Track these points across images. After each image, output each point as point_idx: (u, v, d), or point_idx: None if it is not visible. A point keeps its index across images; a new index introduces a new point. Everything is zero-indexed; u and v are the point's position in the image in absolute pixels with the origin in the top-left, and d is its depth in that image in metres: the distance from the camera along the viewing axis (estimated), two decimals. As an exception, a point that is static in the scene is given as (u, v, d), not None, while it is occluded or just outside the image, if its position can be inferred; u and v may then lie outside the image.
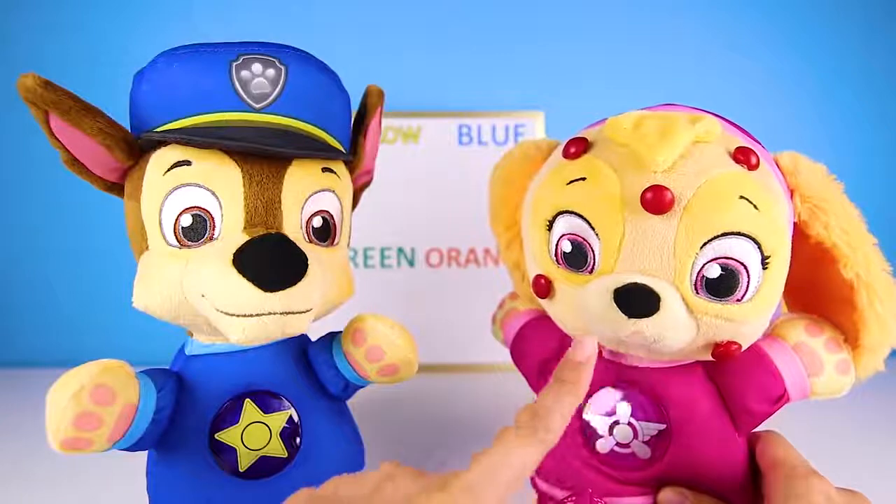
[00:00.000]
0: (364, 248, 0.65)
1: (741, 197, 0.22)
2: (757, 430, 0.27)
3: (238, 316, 0.24)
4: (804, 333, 0.26)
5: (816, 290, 0.27)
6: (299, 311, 0.25)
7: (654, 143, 0.22)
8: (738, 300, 0.23)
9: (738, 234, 0.22)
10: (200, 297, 0.25)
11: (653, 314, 0.22)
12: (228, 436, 0.27)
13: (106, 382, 0.23)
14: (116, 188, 0.28)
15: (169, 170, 0.25)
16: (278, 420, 0.28)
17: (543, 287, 0.27)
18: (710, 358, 0.25)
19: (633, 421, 0.27)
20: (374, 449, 0.33)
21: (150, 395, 0.25)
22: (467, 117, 0.64)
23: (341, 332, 0.31)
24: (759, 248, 0.22)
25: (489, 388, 0.59)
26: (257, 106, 0.26)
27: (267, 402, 0.28)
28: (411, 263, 0.65)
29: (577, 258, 0.25)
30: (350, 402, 0.33)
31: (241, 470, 0.27)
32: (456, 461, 0.18)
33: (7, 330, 0.69)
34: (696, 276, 0.23)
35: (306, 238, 0.28)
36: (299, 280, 0.25)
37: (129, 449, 0.25)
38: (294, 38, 0.28)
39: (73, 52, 0.64)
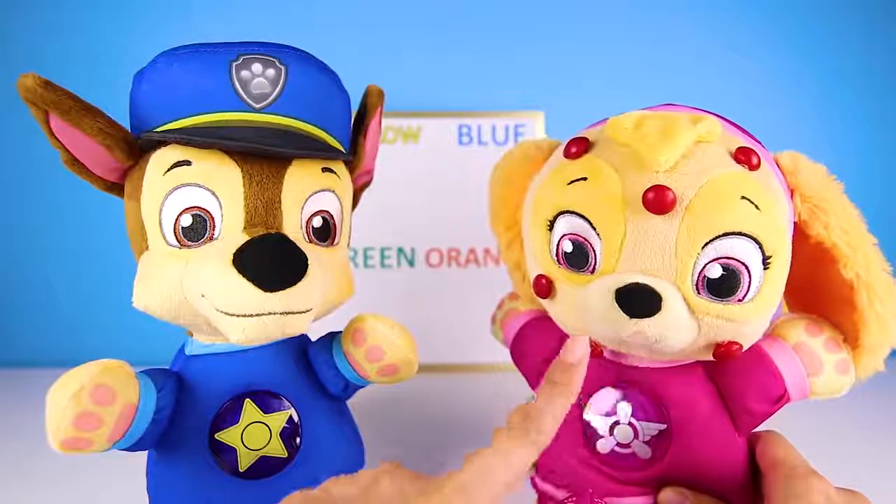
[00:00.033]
0: (364, 248, 0.65)
1: (743, 197, 0.22)
2: (757, 430, 0.27)
3: (238, 316, 0.24)
4: (804, 333, 0.26)
5: (816, 290, 0.27)
6: (299, 311, 0.25)
7: (655, 142, 0.22)
8: (739, 300, 0.23)
9: (740, 234, 0.22)
10: (200, 297, 0.25)
11: (654, 314, 0.22)
12: (228, 436, 0.27)
13: (106, 382, 0.23)
14: (116, 188, 0.28)
15: (169, 170, 0.25)
16: (278, 420, 0.28)
17: (544, 287, 0.27)
18: (711, 358, 0.25)
19: (633, 421, 0.27)
20: (374, 449, 0.33)
21: (150, 395, 0.25)
22: (467, 117, 0.64)
23: (341, 332, 0.31)
24: (761, 248, 0.22)
25: (489, 388, 0.59)
26: (257, 106, 0.26)
27: (267, 402, 0.28)
28: (411, 263, 0.65)
29: (579, 258, 0.25)
30: (350, 402, 0.33)
31: (241, 470, 0.27)
32: (456, 461, 0.18)
33: (7, 330, 0.69)
34: (698, 277, 0.23)
35: (306, 238, 0.28)
36: (299, 280, 0.25)
37: (129, 449, 0.25)
38: (294, 38, 0.28)
39: (73, 52, 0.64)
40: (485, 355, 0.62)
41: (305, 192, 0.27)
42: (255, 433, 0.27)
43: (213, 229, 0.26)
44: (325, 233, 0.29)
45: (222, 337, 0.27)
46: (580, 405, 0.28)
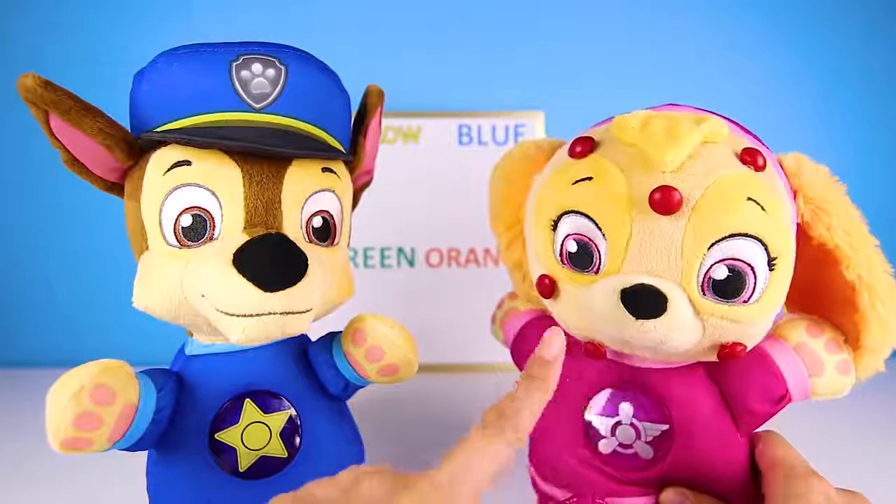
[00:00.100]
0: (364, 248, 0.65)
1: (749, 198, 0.22)
2: (756, 430, 0.27)
3: (238, 316, 0.24)
4: (805, 334, 0.26)
5: (818, 291, 0.27)
6: (299, 311, 0.25)
7: (662, 143, 0.22)
8: (744, 301, 0.23)
9: (746, 235, 0.22)
10: (200, 297, 0.25)
11: (660, 315, 0.22)
12: (228, 436, 0.27)
13: (106, 382, 0.23)
14: (116, 188, 0.28)
15: (169, 170, 0.25)
16: (278, 420, 0.28)
17: (548, 287, 0.26)
18: (715, 359, 0.25)
19: (635, 421, 0.27)
20: (374, 449, 0.33)
21: (150, 395, 0.25)
22: (467, 117, 0.64)
23: (341, 332, 0.31)
24: (766, 249, 0.22)
25: (489, 388, 0.58)
26: (257, 106, 0.26)
27: (267, 402, 0.28)
28: (411, 263, 0.65)
29: (583, 258, 0.25)
30: (350, 402, 0.33)
31: (241, 470, 0.27)
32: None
33: (7, 330, 0.69)
34: (703, 278, 0.23)
35: (306, 238, 0.28)
36: (299, 280, 0.25)
37: (129, 449, 0.25)
38: (294, 38, 0.28)
39: (73, 52, 0.64)
40: (485, 355, 0.62)
41: (305, 192, 0.27)
42: (255, 433, 0.27)
43: (213, 229, 0.26)
44: (325, 233, 0.29)
45: (222, 337, 0.27)
46: (581, 406, 0.28)
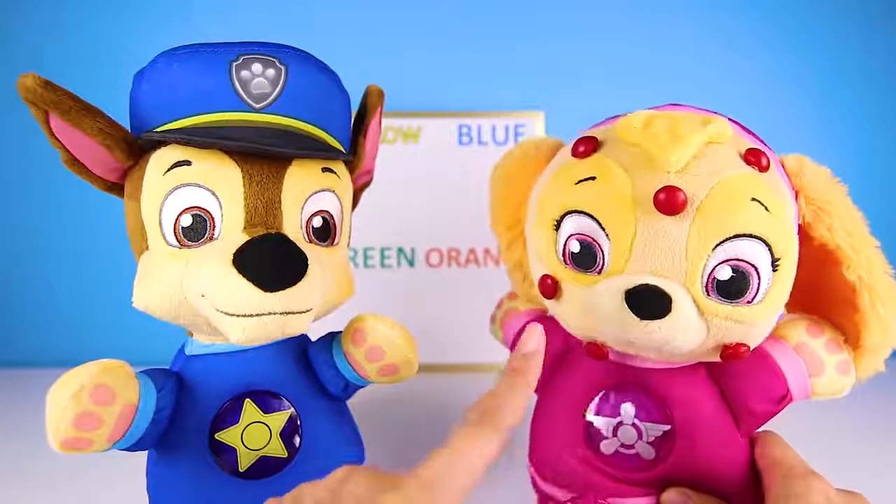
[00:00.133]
0: (364, 248, 0.65)
1: (753, 199, 0.22)
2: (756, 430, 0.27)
3: (238, 316, 0.24)
4: (805, 334, 0.26)
5: (818, 291, 0.27)
6: (299, 311, 0.25)
7: (666, 143, 0.22)
8: (748, 302, 0.23)
9: (750, 236, 0.22)
10: (200, 297, 0.25)
11: (664, 316, 0.22)
12: (228, 436, 0.27)
13: (106, 382, 0.23)
14: (116, 188, 0.28)
15: (169, 170, 0.25)
16: (278, 420, 0.28)
17: (550, 287, 0.26)
18: (718, 359, 0.25)
19: (637, 422, 0.27)
20: (374, 449, 0.33)
21: (150, 395, 0.25)
22: (467, 117, 0.64)
23: (341, 332, 0.31)
24: (770, 250, 0.22)
25: (489, 389, 0.58)
26: (257, 106, 0.26)
27: (267, 402, 0.28)
28: (411, 263, 0.65)
29: (586, 258, 0.25)
30: (350, 402, 0.33)
31: (241, 470, 0.27)
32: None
33: (7, 330, 0.69)
34: (708, 278, 0.23)
35: (306, 238, 0.28)
36: (299, 280, 0.25)
37: (129, 449, 0.25)
38: (294, 38, 0.28)
39: (73, 52, 0.64)
40: (485, 355, 0.62)
41: (305, 192, 0.27)
42: (255, 433, 0.27)
43: (213, 229, 0.26)
44: (325, 233, 0.29)
45: (222, 337, 0.27)
46: (582, 406, 0.28)
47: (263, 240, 0.25)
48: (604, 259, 0.24)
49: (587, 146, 0.25)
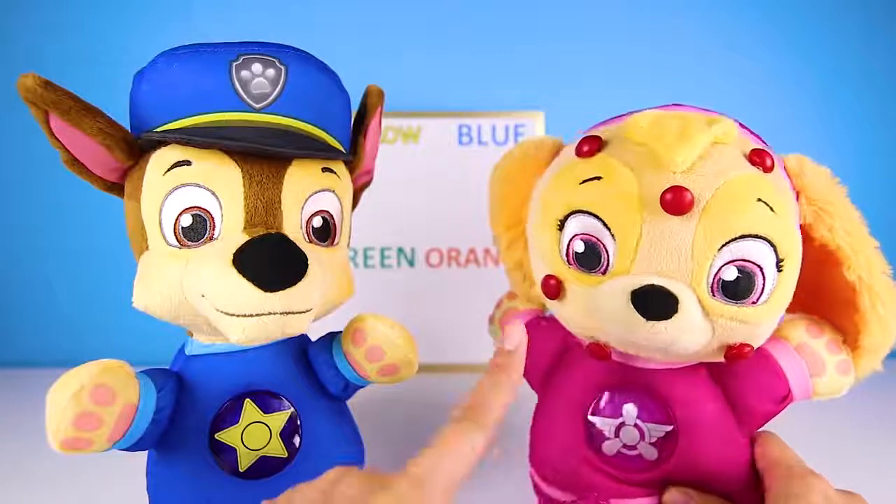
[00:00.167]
0: (364, 248, 0.65)
1: (758, 199, 0.22)
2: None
3: (238, 316, 0.24)
4: (805, 334, 0.26)
5: (818, 291, 0.27)
6: (299, 311, 0.25)
7: (672, 143, 0.22)
8: (753, 302, 0.23)
9: (756, 236, 0.22)
10: (200, 297, 0.25)
11: (670, 316, 0.22)
12: (228, 436, 0.27)
13: (106, 382, 0.23)
14: (116, 188, 0.28)
15: (169, 170, 0.25)
16: (278, 420, 0.28)
17: (553, 288, 0.26)
18: (721, 360, 0.25)
19: (639, 423, 0.26)
20: (374, 449, 0.33)
21: (150, 395, 0.25)
22: (467, 117, 0.64)
23: (341, 332, 0.31)
24: (775, 250, 0.22)
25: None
26: (257, 106, 0.26)
27: (267, 402, 0.28)
28: (411, 263, 0.65)
29: (590, 258, 0.25)
30: (350, 402, 0.33)
31: (241, 470, 0.27)
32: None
33: (7, 330, 0.69)
34: (713, 279, 0.23)
35: (306, 238, 0.28)
36: (299, 280, 0.25)
37: (129, 449, 0.25)
38: (294, 38, 0.28)
39: (73, 52, 0.64)
40: (485, 355, 0.61)
41: (305, 192, 0.27)
42: (255, 433, 0.27)
43: (213, 229, 0.26)
44: (325, 233, 0.29)
45: (222, 337, 0.27)
46: (584, 407, 0.28)
47: (263, 240, 0.25)
48: (608, 259, 0.24)
49: (591, 146, 0.25)
